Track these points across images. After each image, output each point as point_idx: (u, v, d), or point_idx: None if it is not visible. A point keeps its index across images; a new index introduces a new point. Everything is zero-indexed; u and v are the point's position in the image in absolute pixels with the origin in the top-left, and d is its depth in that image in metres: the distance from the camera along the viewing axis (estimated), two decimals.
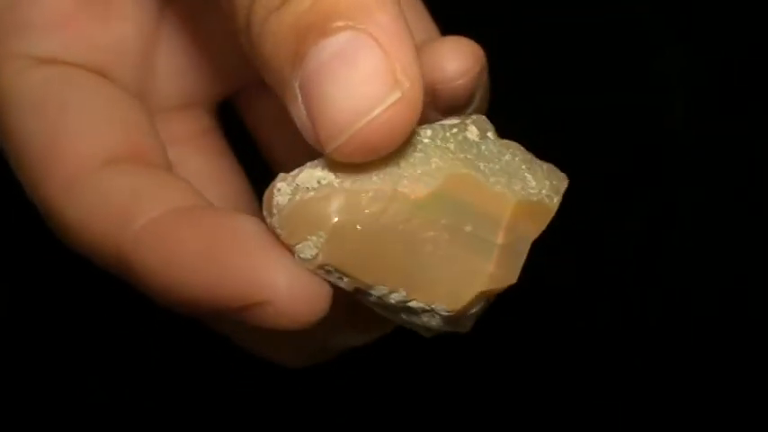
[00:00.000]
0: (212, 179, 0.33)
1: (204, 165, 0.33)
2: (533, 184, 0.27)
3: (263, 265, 0.25)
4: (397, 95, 0.24)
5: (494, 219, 0.26)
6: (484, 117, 0.28)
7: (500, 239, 0.26)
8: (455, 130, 0.27)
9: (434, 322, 0.26)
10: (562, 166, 0.29)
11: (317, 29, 0.24)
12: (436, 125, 0.27)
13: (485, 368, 0.47)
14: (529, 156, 0.28)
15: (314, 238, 0.25)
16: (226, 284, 0.25)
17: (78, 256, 0.28)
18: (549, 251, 0.30)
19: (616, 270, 0.49)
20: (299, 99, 0.25)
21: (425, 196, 0.25)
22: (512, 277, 0.26)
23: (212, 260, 0.25)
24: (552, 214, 0.27)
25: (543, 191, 0.27)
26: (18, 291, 0.47)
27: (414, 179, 0.26)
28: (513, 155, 0.27)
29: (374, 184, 0.25)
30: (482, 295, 0.26)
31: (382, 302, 0.26)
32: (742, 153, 0.50)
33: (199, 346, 0.46)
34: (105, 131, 0.28)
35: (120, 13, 0.31)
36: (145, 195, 0.27)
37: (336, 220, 0.25)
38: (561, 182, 0.28)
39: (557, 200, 0.27)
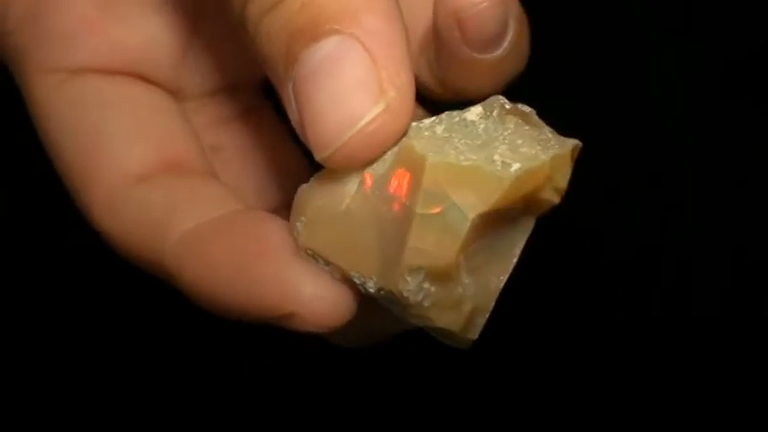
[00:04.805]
0: (255, 158, 0.33)
1: (248, 143, 0.33)
2: (495, 155, 0.25)
3: (287, 277, 0.26)
4: (381, 107, 0.24)
5: (418, 186, 0.25)
6: (500, 97, 0.26)
7: (419, 207, 0.24)
8: (463, 115, 0.26)
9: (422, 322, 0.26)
10: None
11: (307, 33, 0.24)
12: (445, 116, 0.26)
13: (483, 367, 0.47)
14: (535, 130, 0.26)
15: (299, 222, 0.26)
16: (256, 297, 0.26)
17: (77, 256, 0.29)
18: (550, 250, 0.30)
19: (617, 270, 0.49)
20: (293, 102, 0.25)
21: (379, 176, 0.25)
22: (446, 255, 0.24)
23: (242, 273, 0.26)
24: (504, 183, 0.24)
25: (505, 160, 0.25)
26: (18, 290, 0.47)
27: (379, 162, 0.26)
28: (510, 130, 0.26)
29: (351, 172, 0.26)
30: (417, 272, 0.24)
31: (369, 294, 0.26)
32: (742, 152, 0.50)
33: (200, 346, 0.46)
34: (141, 145, 0.29)
35: (145, 10, 0.31)
36: (179, 207, 0.28)
37: (313, 205, 0.26)
38: (551, 149, 0.25)
39: (516, 167, 0.24)
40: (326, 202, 0.26)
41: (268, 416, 0.47)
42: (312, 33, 0.24)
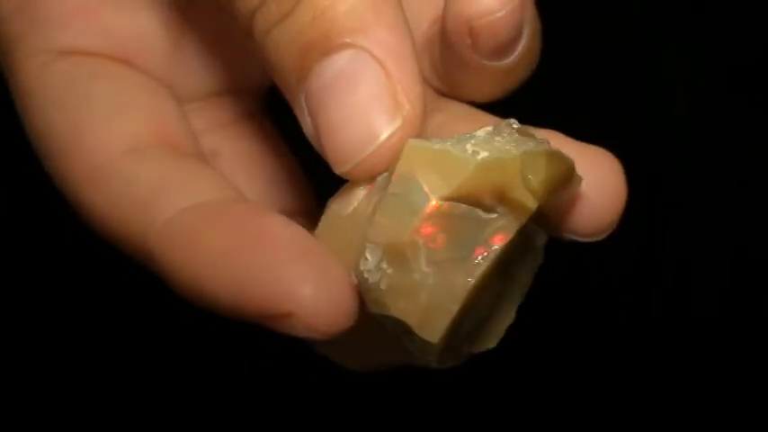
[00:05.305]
0: (254, 163, 0.32)
1: (246, 148, 0.32)
2: (467, 145, 0.25)
3: (289, 274, 0.24)
4: (398, 122, 0.24)
5: (395, 169, 0.25)
6: (512, 120, 0.26)
7: (390, 188, 0.25)
8: (472, 132, 0.26)
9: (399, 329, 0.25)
10: None
11: (319, 46, 0.24)
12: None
13: (481, 369, 0.47)
14: (524, 136, 0.26)
15: (318, 229, 0.26)
16: (250, 291, 0.24)
17: (77, 254, 0.28)
18: (549, 250, 0.30)
19: (617, 270, 0.49)
20: (306, 112, 0.25)
21: (381, 179, 0.26)
22: (402, 232, 0.24)
23: (237, 264, 0.24)
24: (469, 167, 0.24)
25: (475, 149, 0.25)
26: (18, 289, 0.47)
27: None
28: (505, 139, 0.25)
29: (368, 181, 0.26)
30: (376, 248, 0.25)
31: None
32: (742, 152, 0.50)
33: (200, 347, 0.46)
34: (130, 118, 0.28)
35: (139, 3, 0.30)
36: (172, 186, 0.26)
37: (328, 210, 0.26)
38: (525, 146, 0.25)
39: (484, 155, 0.24)
40: (338, 207, 0.26)
41: (263, 421, 0.48)
42: (324, 47, 0.24)
